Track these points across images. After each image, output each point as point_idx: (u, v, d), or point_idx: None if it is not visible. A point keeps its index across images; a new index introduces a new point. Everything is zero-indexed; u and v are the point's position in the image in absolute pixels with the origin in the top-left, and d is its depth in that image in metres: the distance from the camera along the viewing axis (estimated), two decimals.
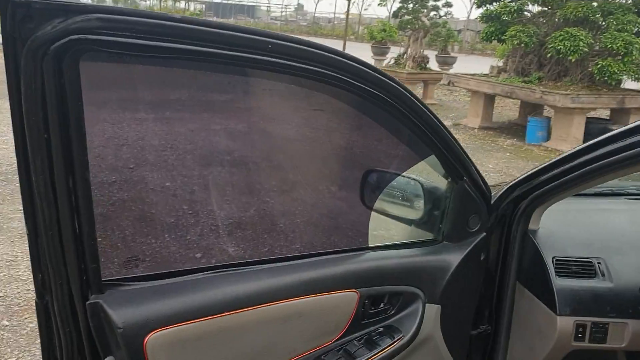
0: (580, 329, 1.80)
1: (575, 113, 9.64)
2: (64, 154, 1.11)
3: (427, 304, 1.73)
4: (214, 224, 1.68)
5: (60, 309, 1.24)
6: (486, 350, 2.04)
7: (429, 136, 1.61)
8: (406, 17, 15.33)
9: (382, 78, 1.46)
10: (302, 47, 1.31)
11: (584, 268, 1.86)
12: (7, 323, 3.60)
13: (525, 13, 11.33)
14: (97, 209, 1.22)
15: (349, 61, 1.40)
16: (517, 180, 1.93)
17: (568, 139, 9.61)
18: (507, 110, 14.05)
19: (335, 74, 1.37)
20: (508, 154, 9.47)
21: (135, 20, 1.09)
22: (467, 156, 1.74)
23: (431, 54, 16.26)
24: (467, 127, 11.54)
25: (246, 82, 1.61)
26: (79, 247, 1.20)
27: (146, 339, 1.24)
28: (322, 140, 1.91)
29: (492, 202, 1.89)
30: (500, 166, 8.49)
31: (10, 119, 1.13)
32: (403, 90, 1.51)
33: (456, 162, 1.70)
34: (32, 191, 1.15)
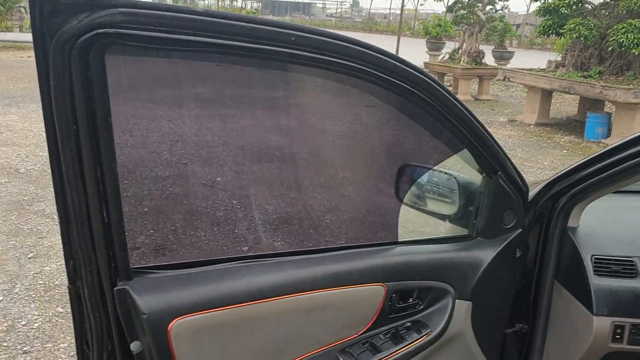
0: (619, 330, 1.74)
1: (638, 109, 9.23)
2: (92, 145, 1.16)
3: (457, 300, 1.71)
4: (245, 216, 1.71)
5: (90, 294, 1.29)
6: (522, 349, 1.99)
7: (461, 130, 1.58)
8: (461, 11, 15.05)
9: (413, 71, 1.44)
10: (326, 39, 1.31)
11: (625, 267, 1.79)
12: (61, 310, 3.76)
13: (586, 5, 10.92)
14: (131, 201, 1.27)
15: (376, 54, 1.39)
16: (556, 176, 1.87)
17: None
18: (565, 106, 13.61)
19: (362, 67, 1.36)
20: (565, 151, 9.17)
21: (159, 14, 1.12)
22: (502, 150, 1.70)
23: (488, 49, 15.91)
24: (523, 124, 11.24)
25: (297, 79, 1.63)
26: (108, 235, 1.25)
27: (170, 325, 1.28)
28: (356, 135, 1.91)
29: (530, 198, 1.84)
30: (555, 163, 8.23)
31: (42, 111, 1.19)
32: (434, 84, 1.49)
33: (490, 157, 1.67)
34: (63, 181, 1.20)
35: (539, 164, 8.06)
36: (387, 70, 1.39)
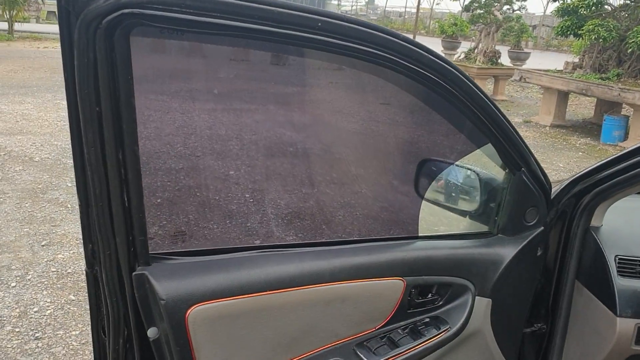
0: None
1: None
2: (114, 128, 1.14)
3: (477, 297, 1.68)
4: (264, 207, 1.69)
5: (108, 278, 1.27)
6: (540, 349, 1.96)
7: (486, 124, 1.55)
8: (478, 10, 14.95)
9: (439, 61, 1.41)
10: (353, 26, 1.28)
11: None
12: (73, 298, 3.77)
13: (606, 6, 10.80)
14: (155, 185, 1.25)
15: (403, 42, 1.36)
16: (580, 174, 1.84)
17: None
18: (581, 108, 13.48)
19: (388, 55, 1.34)
20: (580, 153, 9.08)
21: None
22: (526, 146, 1.67)
23: (503, 50, 15.80)
24: (539, 125, 11.15)
25: (309, 75, 1.61)
26: (128, 219, 1.23)
27: (188, 312, 1.26)
28: (377, 128, 1.88)
29: (552, 196, 1.81)
30: (571, 165, 8.15)
31: (66, 99, 1.18)
32: (460, 75, 1.46)
33: (514, 152, 1.63)
34: (84, 163, 1.18)
35: (554, 165, 7.98)
36: (413, 60, 1.36)
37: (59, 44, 1.11)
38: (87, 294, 3.82)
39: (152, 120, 1.42)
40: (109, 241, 1.24)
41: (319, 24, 1.23)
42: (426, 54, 1.38)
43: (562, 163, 8.27)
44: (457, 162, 1.91)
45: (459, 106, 1.49)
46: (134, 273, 1.26)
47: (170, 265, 1.32)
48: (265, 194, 1.68)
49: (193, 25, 1.12)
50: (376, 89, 1.64)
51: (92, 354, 3.25)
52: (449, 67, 1.42)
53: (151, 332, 1.29)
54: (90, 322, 1.42)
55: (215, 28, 1.14)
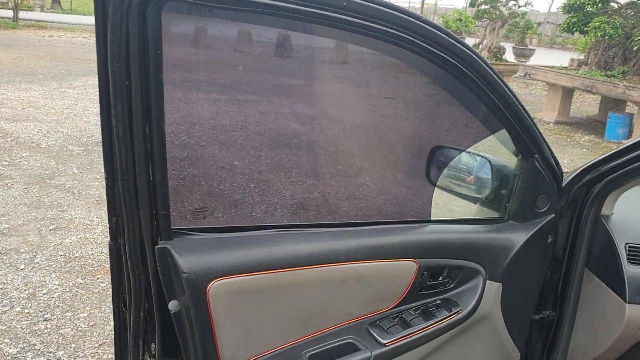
0: None
1: None
2: (143, 101, 1.17)
3: (488, 281, 1.71)
4: (283, 186, 1.72)
5: (131, 251, 1.30)
6: (548, 336, 1.99)
7: (502, 109, 1.56)
8: (483, 6, 14.93)
9: (458, 45, 1.43)
10: (376, 6, 1.30)
11: None
12: (81, 281, 3.80)
13: (612, 4, 10.79)
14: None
15: (423, 24, 1.38)
16: (591, 162, 1.86)
17: None
18: (585, 105, 13.48)
19: (409, 37, 1.36)
20: (584, 150, 9.10)
21: None
22: (540, 134, 1.69)
23: (508, 47, 15.79)
24: (542, 122, 11.15)
25: (316, 67, 1.63)
26: (152, 193, 1.26)
27: (209, 285, 1.29)
28: (391, 112, 1.90)
29: (563, 184, 1.83)
30: (575, 162, 8.18)
31: (96, 68, 1.20)
32: (477, 58, 1.47)
33: (528, 139, 1.65)
34: (112, 136, 1.21)
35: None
36: (433, 42, 1.38)
37: (63, 33, 1.13)
38: (95, 279, 3.84)
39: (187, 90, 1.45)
40: (133, 215, 1.26)
41: (344, 3, 1.25)
42: (446, 37, 1.40)
43: (565, 160, 8.29)
44: (469, 149, 1.93)
45: (475, 90, 1.51)
46: (156, 247, 1.29)
47: (191, 241, 1.34)
48: (286, 175, 1.70)
49: (223, 1, 1.14)
50: (397, 72, 1.67)
51: (100, 336, 3.28)
52: (468, 50, 1.44)
53: (172, 305, 1.32)
54: (111, 295, 1.45)
55: (243, 4, 1.17)
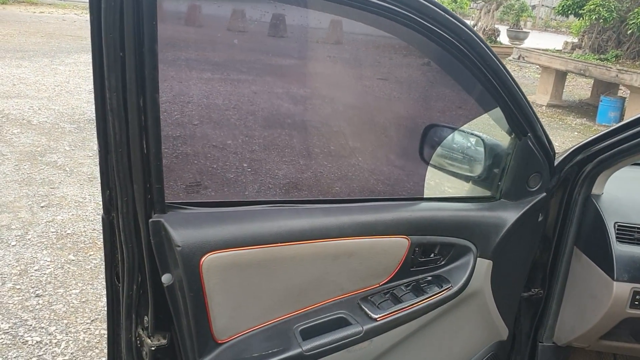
0: (638, 297, 1.75)
1: None
2: (137, 73, 1.16)
3: (478, 259, 1.72)
4: (277, 162, 1.72)
5: (124, 225, 1.30)
6: (536, 313, 2.02)
7: (496, 86, 1.56)
8: None
9: (454, 21, 1.43)
10: None
11: None
12: (73, 258, 3.80)
13: None
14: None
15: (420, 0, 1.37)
16: (584, 142, 1.87)
17: None
18: (578, 89, 13.50)
19: (405, 12, 1.35)
20: (576, 133, 9.13)
21: None
22: (534, 112, 1.69)
23: (502, 29, 15.74)
24: (535, 104, 11.16)
25: (310, 47, 1.63)
26: (146, 166, 1.25)
27: (202, 259, 1.29)
28: (385, 92, 1.90)
29: (555, 163, 1.84)
30: (566, 145, 8.21)
31: (90, 46, 1.19)
32: (474, 36, 1.47)
33: (522, 117, 1.66)
34: (106, 109, 1.20)
35: None
36: (430, 18, 1.38)
37: (54, 10, 1.13)
38: (87, 256, 3.84)
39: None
40: (127, 188, 1.26)
41: None
42: (442, 13, 1.39)
43: (557, 142, 8.32)
44: (462, 128, 1.93)
45: (470, 68, 1.51)
46: (150, 220, 1.29)
47: (185, 215, 1.34)
48: (278, 151, 1.70)
49: None
50: (392, 54, 1.66)
51: (92, 312, 3.29)
52: (464, 27, 1.43)
53: (165, 278, 1.32)
54: (104, 268, 1.45)
55: None
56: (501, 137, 1.79)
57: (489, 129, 1.81)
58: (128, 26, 1.10)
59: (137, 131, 1.20)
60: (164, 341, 1.39)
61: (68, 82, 8.83)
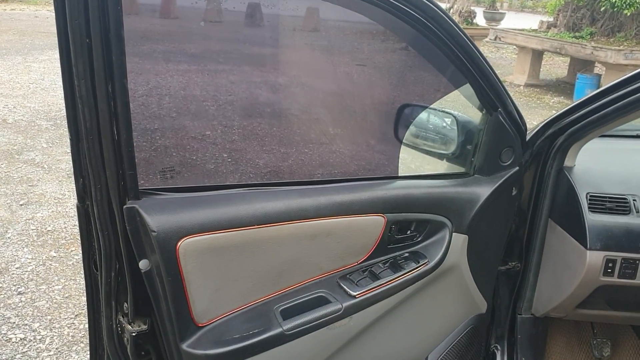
0: (610, 264, 1.79)
1: (628, 70, 9.25)
2: (104, 59, 1.16)
3: (454, 234, 1.75)
4: (251, 145, 1.73)
5: (99, 212, 1.30)
6: (514, 286, 2.05)
7: (465, 63, 1.58)
8: None
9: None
10: None
11: (619, 204, 1.84)
12: (54, 254, 3.78)
13: None
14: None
15: None
16: (554, 116, 1.91)
17: None
18: (555, 68, 13.61)
19: None
20: (553, 112, 9.18)
21: None
22: (503, 87, 1.71)
23: (479, 11, 15.79)
24: (513, 84, 11.25)
25: (287, 35, 1.63)
26: (118, 153, 1.25)
27: (179, 243, 1.30)
28: (362, 77, 1.92)
29: (527, 138, 1.87)
30: None
31: (56, 31, 1.18)
32: (442, 14, 1.49)
33: (492, 92, 1.68)
34: (75, 96, 1.20)
35: (528, 123, 8.09)
36: None
37: (26, 6, 1.12)
38: (69, 252, 3.82)
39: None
40: (100, 175, 1.26)
41: None
42: None
43: (535, 121, 8.39)
44: (435, 106, 1.95)
45: (439, 44, 1.52)
46: (124, 206, 1.29)
47: (159, 200, 1.35)
48: (253, 133, 1.71)
49: None
50: (369, 40, 1.68)
51: (75, 307, 3.28)
52: (431, 5, 1.45)
53: (143, 264, 1.33)
54: (82, 258, 1.45)
55: None
56: (473, 114, 1.82)
57: (462, 107, 1.84)
58: (93, 11, 1.10)
59: (107, 118, 1.20)
60: (144, 327, 1.40)
61: (43, 80, 8.71)
